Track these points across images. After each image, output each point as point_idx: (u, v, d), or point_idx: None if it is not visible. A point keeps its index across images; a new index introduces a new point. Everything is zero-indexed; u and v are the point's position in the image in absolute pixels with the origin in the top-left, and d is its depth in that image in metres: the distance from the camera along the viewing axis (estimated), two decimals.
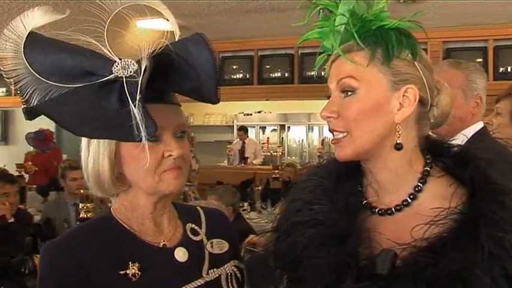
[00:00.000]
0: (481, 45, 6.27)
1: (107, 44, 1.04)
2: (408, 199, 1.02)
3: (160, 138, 1.09)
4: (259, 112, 10.05)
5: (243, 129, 9.05)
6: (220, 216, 1.36)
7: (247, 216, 5.01)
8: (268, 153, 9.46)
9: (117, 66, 1.02)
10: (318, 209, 1.06)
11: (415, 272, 0.90)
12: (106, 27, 1.05)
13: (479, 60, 6.22)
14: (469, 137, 2.06)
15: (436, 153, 1.07)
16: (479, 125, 2.18)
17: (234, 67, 7.50)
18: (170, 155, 1.09)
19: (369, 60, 0.99)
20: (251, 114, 10.05)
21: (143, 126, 0.94)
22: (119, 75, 1.01)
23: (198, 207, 1.32)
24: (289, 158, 9.53)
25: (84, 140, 1.13)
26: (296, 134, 10.16)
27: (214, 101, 1.09)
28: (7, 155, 8.72)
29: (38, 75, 1.00)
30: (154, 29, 5.74)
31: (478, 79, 2.18)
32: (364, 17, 1.01)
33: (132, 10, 1.12)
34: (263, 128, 10.37)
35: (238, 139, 9.08)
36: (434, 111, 1.06)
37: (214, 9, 5.55)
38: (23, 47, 1.01)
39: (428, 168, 1.04)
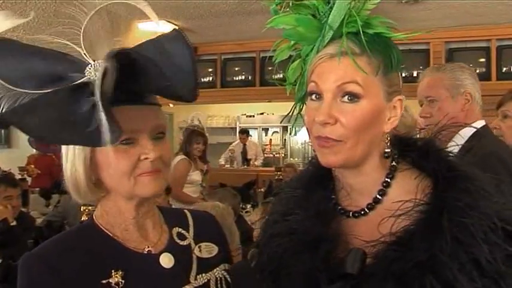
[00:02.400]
0: (484, 45, 6.24)
1: (83, 46, 1.01)
2: (378, 196, 1.03)
3: (136, 141, 1.06)
4: (262, 114, 10.05)
5: (246, 132, 9.10)
6: (209, 219, 1.32)
7: (249, 218, 4.99)
8: (271, 155, 9.45)
9: (90, 69, 0.98)
10: (292, 219, 1.06)
11: (384, 267, 0.91)
12: (83, 29, 1.02)
13: (482, 60, 6.19)
14: (466, 137, 2.02)
15: (403, 149, 1.07)
16: (478, 124, 2.16)
17: (236, 69, 7.49)
18: (146, 158, 1.06)
19: (377, 70, 0.97)
20: (253, 116, 10.05)
21: (107, 131, 0.91)
22: (91, 78, 0.98)
23: (185, 211, 1.30)
24: (291, 159, 9.52)
25: (63, 147, 1.10)
26: (299, 136, 10.14)
27: (190, 99, 1.04)
28: (10, 158, 8.72)
29: (3, 83, 0.97)
30: (155, 31, 5.74)
31: (461, 76, 2.18)
32: (366, 19, 0.98)
33: (132, 12, 1.11)
34: (265, 130, 10.36)
35: (239, 141, 9.09)
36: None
37: (216, 11, 5.55)
38: None
39: (395, 163, 1.04)
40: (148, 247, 1.13)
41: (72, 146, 1.07)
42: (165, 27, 5.43)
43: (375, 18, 0.99)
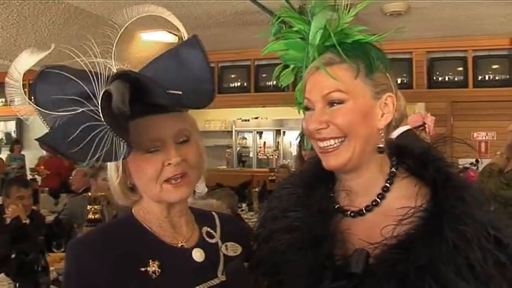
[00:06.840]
0: (461, 55, 6.29)
1: (113, 60, 1.03)
2: (377, 199, 1.03)
3: (160, 149, 1.07)
4: (256, 118, 10.04)
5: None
6: (235, 221, 1.36)
7: (245, 216, 4.99)
8: (265, 157, 9.43)
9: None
10: (293, 216, 1.05)
11: (387, 268, 0.91)
12: (115, 43, 1.04)
13: (460, 69, 6.24)
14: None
15: (400, 155, 1.08)
16: (403, 129, 2.42)
17: (232, 76, 7.51)
18: (169, 164, 1.07)
19: (356, 74, 0.99)
20: (248, 120, 10.03)
21: (118, 148, 0.94)
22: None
23: (213, 213, 1.32)
24: (284, 160, 9.50)
25: None
26: (291, 138, 10.13)
27: (205, 104, 1.07)
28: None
29: (41, 109, 1.00)
30: (157, 40, 5.75)
31: None
32: (342, 30, 1.02)
33: (137, 23, 1.11)
34: (260, 133, 10.34)
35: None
36: (395, 115, 1.08)
37: (213, 22, 5.56)
38: (21, 87, 1.02)
39: (394, 170, 1.05)
40: (181, 242, 1.15)
41: None
42: (166, 37, 5.43)
43: (353, 27, 1.02)
